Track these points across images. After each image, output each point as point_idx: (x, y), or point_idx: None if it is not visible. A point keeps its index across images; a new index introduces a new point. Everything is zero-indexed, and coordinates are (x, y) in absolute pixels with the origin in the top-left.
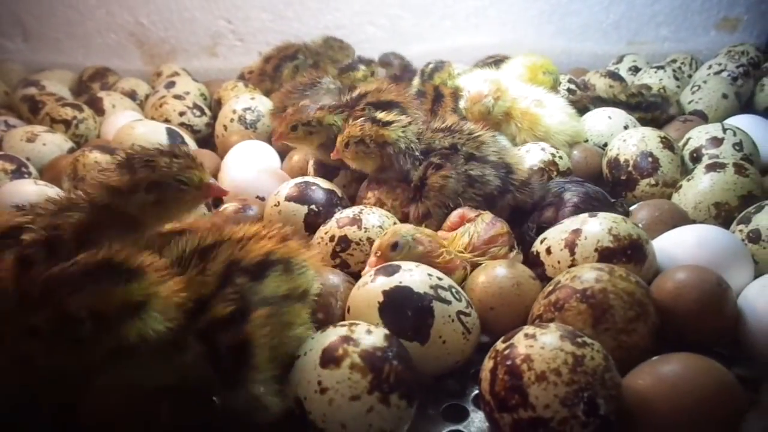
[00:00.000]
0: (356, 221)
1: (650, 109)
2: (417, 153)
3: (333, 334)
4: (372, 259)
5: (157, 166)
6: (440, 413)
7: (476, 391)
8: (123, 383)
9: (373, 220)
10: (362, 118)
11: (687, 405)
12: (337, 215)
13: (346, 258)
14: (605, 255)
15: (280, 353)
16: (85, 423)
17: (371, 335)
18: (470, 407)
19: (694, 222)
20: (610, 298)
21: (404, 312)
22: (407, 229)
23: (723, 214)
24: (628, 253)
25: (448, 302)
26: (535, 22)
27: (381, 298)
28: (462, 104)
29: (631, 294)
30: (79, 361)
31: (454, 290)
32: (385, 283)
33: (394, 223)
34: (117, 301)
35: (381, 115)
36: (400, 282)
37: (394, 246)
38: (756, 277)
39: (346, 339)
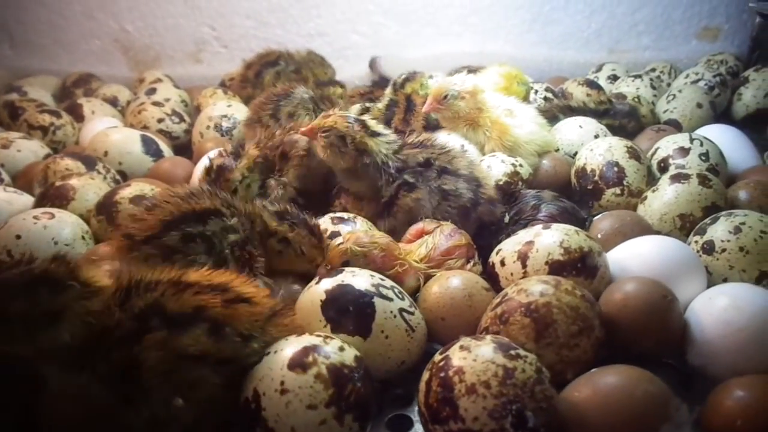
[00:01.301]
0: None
1: (617, 117)
2: (392, 170)
3: (307, 341)
4: (322, 270)
5: (296, 230)
6: (384, 423)
7: None
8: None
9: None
10: (353, 117)
11: (618, 415)
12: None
13: None
14: (555, 268)
15: (172, 383)
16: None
17: (343, 352)
18: (415, 417)
19: (658, 233)
20: (553, 313)
21: (345, 307)
22: (361, 240)
23: (688, 225)
24: (578, 266)
25: (390, 299)
26: (517, 30)
27: (323, 296)
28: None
29: (575, 308)
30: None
31: (396, 290)
32: (328, 283)
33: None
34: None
35: (372, 123)
36: (342, 281)
37: (345, 264)
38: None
39: (318, 349)
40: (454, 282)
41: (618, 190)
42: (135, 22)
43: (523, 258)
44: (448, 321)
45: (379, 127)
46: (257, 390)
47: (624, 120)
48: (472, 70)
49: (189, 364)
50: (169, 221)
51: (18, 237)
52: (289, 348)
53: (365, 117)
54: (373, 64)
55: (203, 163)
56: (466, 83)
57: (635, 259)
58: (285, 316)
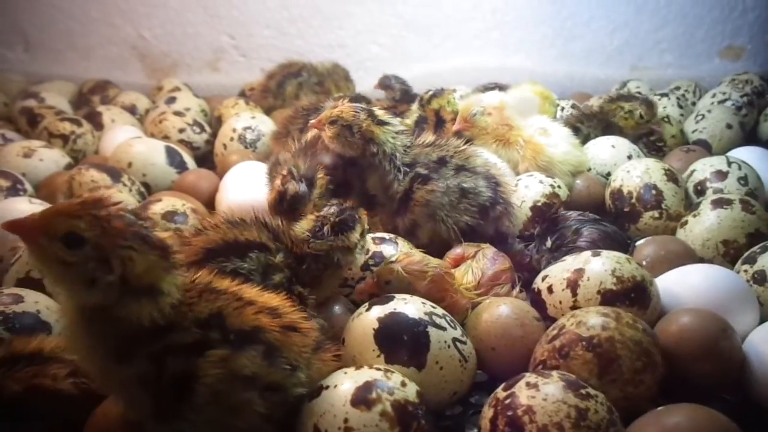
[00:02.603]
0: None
1: (633, 100)
2: (400, 163)
3: (367, 375)
4: (369, 281)
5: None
6: None
7: None
8: None
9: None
10: (360, 107)
11: None
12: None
13: None
14: (608, 298)
15: (220, 409)
16: None
17: (406, 387)
18: None
19: (701, 260)
20: (617, 348)
21: (400, 337)
22: (412, 267)
23: (732, 252)
24: (631, 296)
25: (443, 329)
26: (539, 45)
27: (376, 325)
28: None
29: (639, 343)
30: None
31: (448, 318)
32: (380, 311)
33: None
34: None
35: (379, 112)
36: (395, 309)
37: (387, 283)
38: (762, 319)
39: (381, 384)
40: (504, 311)
41: (656, 214)
42: (153, 29)
43: (573, 286)
44: (498, 351)
45: (386, 117)
46: (318, 426)
47: (643, 105)
48: (501, 88)
49: (240, 385)
50: (210, 249)
51: None
52: (348, 382)
53: (378, 111)
54: (385, 84)
55: (264, 184)
56: (492, 99)
57: (683, 287)
58: (329, 350)
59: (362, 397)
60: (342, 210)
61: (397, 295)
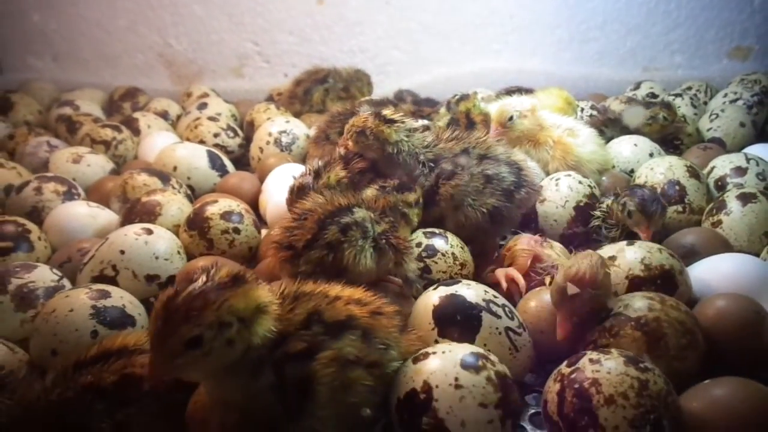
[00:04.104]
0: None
1: (657, 105)
2: (424, 159)
3: (471, 348)
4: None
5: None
6: None
7: (531, 411)
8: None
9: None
10: (369, 112)
11: (740, 426)
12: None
13: (430, 264)
14: (636, 283)
15: (339, 399)
16: None
17: (502, 365)
18: (528, 426)
19: (739, 251)
20: (663, 327)
21: (454, 316)
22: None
23: None
24: (657, 282)
25: (498, 317)
26: (555, 48)
27: (437, 302)
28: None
29: (683, 323)
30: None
31: (507, 309)
32: (444, 291)
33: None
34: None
35: (386, 112)
36: (456, 291)
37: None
38: None
39: (485, 356)
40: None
41: (680, 208)
42: (179, 37)
43: None
44: (547, 334)
45: (395, 116)
46: (428, 382)
47: (663, 109)
48: (525, 91)
49: (349, 367)
50: (323, 219)
51: (122, 252)
52: (457, 350)
53: (387, 111)
54: (399, 98)
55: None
56: (524, 103)
57: (715, 274)
58: (410, 332)
59: (471, 363)
60: (401, 180)
61: (462, 280)
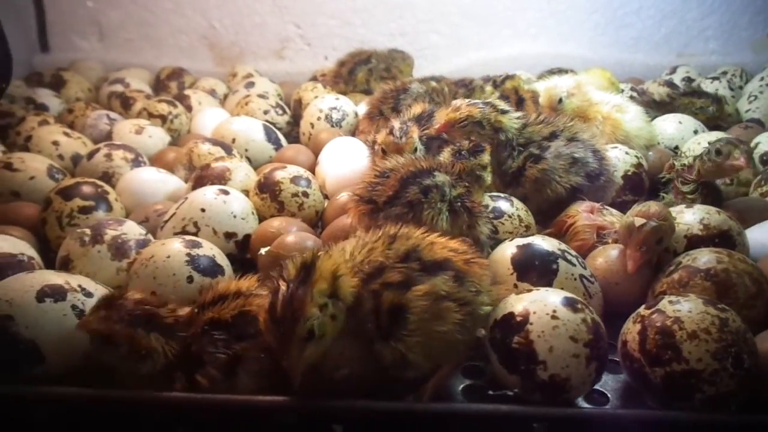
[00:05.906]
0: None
1: (702, 96)
2: (515, 143)
3: (570, 295)
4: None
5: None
6: None
7: None
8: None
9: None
10: (480, 102)
11: None
12: None
13: (497, 225)
14: (693, 242)
15: (428, 329)
16: None
17: (594, 315)
18: None
19: None
20: (732, 277)
21: (532, 261)
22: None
23: None
24: (715, 241)
25: (573, 264)
26: (591, 33)
27: (514, 251)
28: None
29: (750, 273)
30: None
31: (580, 260)
32: (519, 242)
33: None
34: None
35: (497, 102)
36: (532, 242)
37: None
38: None
39: (584, 304)
40: (615, 253)
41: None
42: (222, 20)
43: None
44: (621, 286)
45: (504, 105)
46: (527, 308)
47: (714, 104)
48: (565, 72)
49: (439, 301)
50: (405, 179)
51: (203, 210)
52: (560, 293)
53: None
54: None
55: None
56: (569, 81)
57: None
58: (503, 285)
59: (572, 303)
60: (473, 142)
61: (536, 236)
